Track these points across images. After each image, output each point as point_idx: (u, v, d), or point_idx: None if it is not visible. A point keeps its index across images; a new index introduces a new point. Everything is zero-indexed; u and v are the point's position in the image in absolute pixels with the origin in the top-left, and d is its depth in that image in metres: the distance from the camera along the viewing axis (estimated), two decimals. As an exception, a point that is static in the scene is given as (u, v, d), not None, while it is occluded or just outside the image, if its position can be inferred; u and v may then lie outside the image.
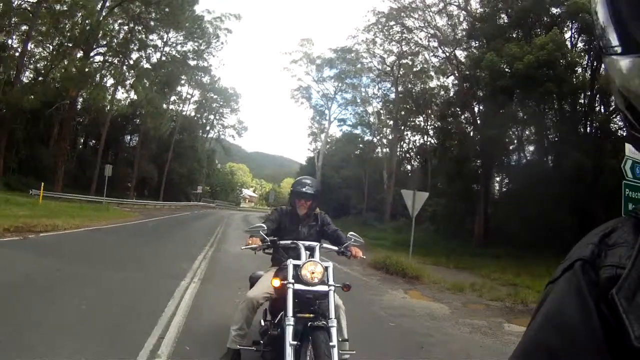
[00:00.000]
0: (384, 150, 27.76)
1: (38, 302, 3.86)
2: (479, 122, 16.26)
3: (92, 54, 22.59)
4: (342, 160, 30.24)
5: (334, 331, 2.25)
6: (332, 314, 2.30)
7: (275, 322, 2.65)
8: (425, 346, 3.94)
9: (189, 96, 35.96)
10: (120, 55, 23.96)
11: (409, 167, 28.47)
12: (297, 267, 2.43)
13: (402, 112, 24.07)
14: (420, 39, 20.73)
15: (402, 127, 25.70)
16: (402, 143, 27.14)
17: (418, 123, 24.68)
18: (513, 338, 4.43)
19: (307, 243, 2.67)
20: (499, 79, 13.53)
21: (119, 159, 29.86)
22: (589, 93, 14.03)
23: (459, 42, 17.80)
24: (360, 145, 30.27)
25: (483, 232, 14.45)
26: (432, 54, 20.98)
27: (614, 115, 12.96)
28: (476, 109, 17.11)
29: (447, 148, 17.22)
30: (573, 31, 14.76)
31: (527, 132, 16.31)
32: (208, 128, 41.58)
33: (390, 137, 26.54)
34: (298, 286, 2.35)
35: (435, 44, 20.01)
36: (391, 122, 25.87)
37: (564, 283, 0.42)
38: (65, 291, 4.39)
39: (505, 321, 5.31)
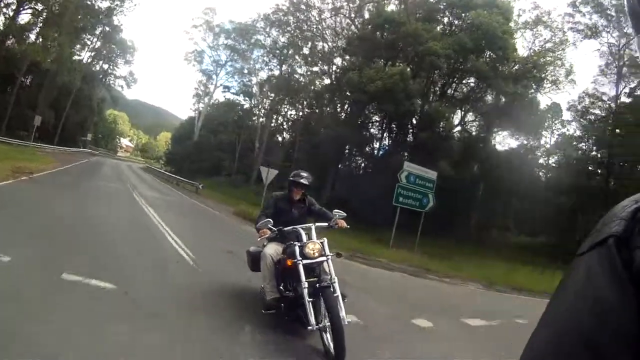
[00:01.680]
0: (260, 120, 31.81)
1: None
2: (342, 117, 21.66)
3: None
4: (220, 124, 33.00)
5: (336, 286, 3.33)
6: (333, 274, 3.39)
7: (289, 288, 3.58)
8: (234, 251, 8.29)
9: (90, 44, 36.38)
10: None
11: (280, 138, 33.01)
12: (301, 247, 3.45)
13: (282, 90, 27.97)
14: (312, 31, 24.75)
15: (280, 102, 29.66)
16: (277, 116, 31.51)
17: (294, 101, 28.87)
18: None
19: (304, 226, 3.75)
20: (355, 93, 18.86)
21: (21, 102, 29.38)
22: (418, 117, 21.07)
23: (338, 49, 22.57)
24: (240, 113, 33.60)
25: (328, 203, 20.06)
26: (320, 43, 25.32)
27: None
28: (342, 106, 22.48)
29: (311, 132, 22.07)
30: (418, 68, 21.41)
31: (371, 133, 22.79)
32: (101, 76, 41.76)
33: (267, 109, 30.58)
34: (305, 261, 3.38)
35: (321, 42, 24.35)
36: (272, 96, 29.54)
37: (597, 260, 0.42)
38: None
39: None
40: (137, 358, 2.67)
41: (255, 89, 31.81)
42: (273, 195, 4.36)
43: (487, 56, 21.31)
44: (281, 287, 3.63)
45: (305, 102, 26.46)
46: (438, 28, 22.11)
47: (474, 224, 20.22)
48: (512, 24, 24.18)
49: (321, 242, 3.59)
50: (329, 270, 3.50)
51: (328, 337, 3.27)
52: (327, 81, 25.12)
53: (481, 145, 21.79)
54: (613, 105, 25.62)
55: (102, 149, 54.65)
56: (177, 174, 27.75)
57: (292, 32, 26.79)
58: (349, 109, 21.93)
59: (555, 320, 0.42)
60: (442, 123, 19.53)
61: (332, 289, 3.31)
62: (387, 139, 22.19)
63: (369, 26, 21.98)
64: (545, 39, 25.81)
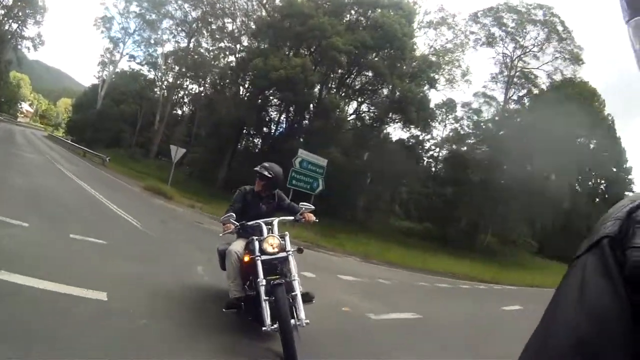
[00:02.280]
0: (163, 92, 34.29)
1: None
2: (243, 97, 25.28)
3: None
4: (123, 94, 34.70)
5: (296, 284, 3.60)
6: (294, 271, 3.66)
7: (248, 286, 3.90)
8: (165, 220, 11.61)
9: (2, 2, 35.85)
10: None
11: (180, 112, 35.55)
12: (260, 242, 3.74)
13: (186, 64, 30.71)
14: (223, 9, 27.89)
15: (183, 76, 32.25)
16: (179, 91, 33.99)
17: (197, 76, 31.68)
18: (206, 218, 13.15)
19: (267, 220, 4.04)
20: (259, 79, 22.63)
21: None
22: (315, 106, 25.37)
23: (247, 31, 26.04)
24: (143, 84, 35.74)
25: (225, 180, 23.70)
26: (230, 22, 28.52)
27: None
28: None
29: (212, 109, 25.44)
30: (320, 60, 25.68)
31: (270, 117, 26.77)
32: (10, 37, 40.53)
33: (170, 82, 33.00)
34: (264, 257, 3.67)
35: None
36: (176, 68, 31.88)
37: (592, 261, 0.47)
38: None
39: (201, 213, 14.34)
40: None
41: (160, 61, 34.24)
42: (241, 189, 4.69)
43: (386, 54, 26.19)
44: (246, 286, 3.91)
45: (208, 79, 29.53)
46: (344, 21, 26.48)
47: (360, 207, 25.15)
48: (415, 25, 29.58)
49: (282, 237, 3.84)
50: (290, 267, 3.71)
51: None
52: (232, 59, 28.70)
53: (374, 135, 26.88)
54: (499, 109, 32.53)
55: (5, 114, 53.98)
56: (79, 143, 29.60)
57: (204, 7, 29.52)
58: (250, 91, 25.63)
59: (551, 322, 0.47)
60: (336, 113, 23.96)
61: (285, 288, 3.54)
62: (285, 122, 26.46)
63: (278, 15, 25.66)
64: (447, 39, 31.80)
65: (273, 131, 27.25)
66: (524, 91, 33.72)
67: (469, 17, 31.85)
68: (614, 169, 51.45)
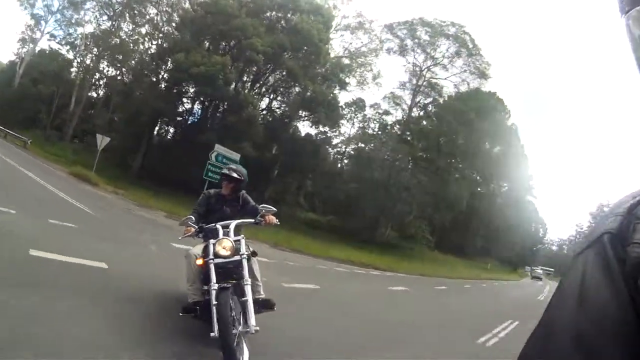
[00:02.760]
0: (80, 74, 36.49)
1: None
2: (161, 87, 29.12)
3: None
4: (42, 74, 36.37)
5: (247, 288, 3.84)
6: (246, 275, 3.92)
7: (207, 290, 4.03)
8: (103, 206, 15.76)
9: None
10: None
11: (95, 95, 37.92)
12: (214, 245, 4.04)
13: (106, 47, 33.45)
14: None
15: (101, 59, 34.83)
16: (98, 74, 36.36)
17: (116, 61, 34.53)
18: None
19: (225, 222, 4.34)
20: (180, 72, 26.70)
21: None
22: (230, 102, 29.80)
23: (170, 22, 29.76)
24: (62, 64, 37.63)
25: (140, 168, 27.55)
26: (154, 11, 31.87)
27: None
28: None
29: (128, 95, 29.01)
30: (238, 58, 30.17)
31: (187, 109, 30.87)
32: None
33: (88, 64, 35.05)
34: (217, 260, 3.96)
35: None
36: (95, 50, 34.13)
37: (592, 257, 0.51)
38: None
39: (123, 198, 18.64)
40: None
41: (79, 42, 36.35)
42: (205, 192, 5.04)
43: (301, 56, 31.27)
44: (205, 289, 4.11)
45: (126, 65, 32.70)
46: (264, 22, 31.07)
47: (267, 199, 30.22)
48: (332, 28, 34.97)
49: (236, 240, 4.14)
50: (242, 271, 4.00)
51: (242, 344, 3.75)
52: (152, 46, 32.25)
53: (284, 130, 32.15)
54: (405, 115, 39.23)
55: None
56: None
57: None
58: (169, 82, 29.51)
59: (551, 318, 0.52)
60: (249, 109, 28.63)
61: (237, 292, 3.88)
62: (199, 115, 30.85)
63: (202, 10, 29.61)
64: (362, 42, 37.68)
65: (188, 122, 31.35)
66: (430, 99, 40.83)
67: (384, 27, 38.04)
68: (517, 174, 61.71)
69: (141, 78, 30.95)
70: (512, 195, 62.55)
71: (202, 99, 30.09)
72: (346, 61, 36.68)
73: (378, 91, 56.20)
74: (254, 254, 4.35)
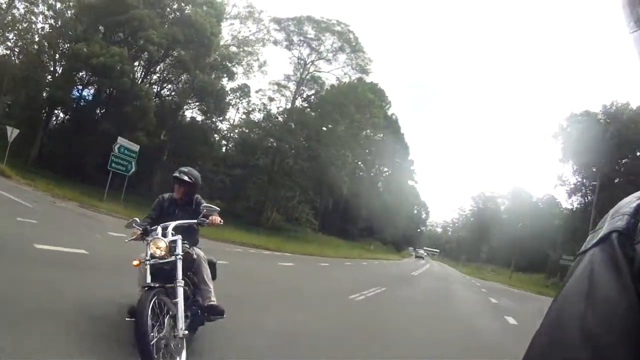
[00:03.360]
0: None
1: None
2: (56, 73, 33.61)
3: None
4: None
5: (179, 290, 4.31)
6: (179, 277, 4.39)
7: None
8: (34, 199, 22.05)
9: None
10: None
11: None
12: (149, 245, 4.52)
13: None
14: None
15: None
16: None
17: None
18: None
19: (165, 224, 4.84)
20: (79, 62, 31.60)
21: None
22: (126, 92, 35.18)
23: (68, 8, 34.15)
24: None
25: (38, 156, 32.02)
26: None
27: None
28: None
29: (26, 80, 32.97)
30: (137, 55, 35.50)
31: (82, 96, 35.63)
32: None
33: None
34: (152, 261, 4.42)
35: None
36: None
37: (600, 255, 0.55)
38: None
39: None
40: None
41: None
42: (159, 197, 5.64)
43: (192, 48, 37.47)
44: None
45: (20, 46, 35.99)
46: (159, 13, 36.58)
47: (157, 183, 36.30)
48: (223, 22, 41.45)
49: (172, 241, 4.61)
50: (177, 272, 4.42)
51: (177, 347, 4.14)
52: (46, 27, 35.84)
53: (173, 117, 38.47)
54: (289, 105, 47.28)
55: None
56: None
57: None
58: (67, 70, 33.97)
59: (558, 316, 0.56)
60: (144, 100, 34.34)
61: (168, 294, 4.33)
62: (94, 101, 35.89)
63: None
64: (250, 31, 44.68)
65: (83, 110, 36.03)
66: (313, 91, 49.31)
67: (273, 19, 45.42)
68: (398, 160, 73.49)
69: (36, 62, 34.68)
70: (394, 180, 74.25)
71: (99, 89, 34.88)
72: (234, 49, 43.41)
73: (264, 79, 62.82)
74: (189, 253, 4.91)
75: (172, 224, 4.83)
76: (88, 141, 31.78)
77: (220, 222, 5.15)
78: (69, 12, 36.49)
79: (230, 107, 45.15)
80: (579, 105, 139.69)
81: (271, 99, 47.53)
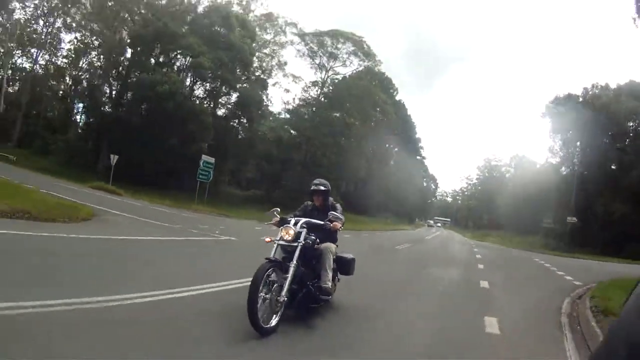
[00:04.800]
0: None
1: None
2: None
3: None
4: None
5: (291, 269, 5.71)
6: (295, 258, 5.81)
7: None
8: None
9: None
10: None
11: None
12: (281, 230, 6.15)
13: None
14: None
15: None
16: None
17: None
18: None
19: (298, 218, 6.43)
20: (144, 89, 40.63)
21: None
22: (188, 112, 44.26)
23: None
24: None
25: (107, 168, 41.37)
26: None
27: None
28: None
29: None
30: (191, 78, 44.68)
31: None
32: None
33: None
34: (281, 242, 6.02)
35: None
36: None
37: None
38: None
39: None
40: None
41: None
42: (305, 203, 7.49)
43: (235, 68, 46.48)
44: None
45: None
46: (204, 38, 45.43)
47: (223, 183, 45.67)
48: (255, 41, 50.49)
49: (297, 231, 6.19)
50: (295, 255, 6.00)
51: (276, 310, 5.60)
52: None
53: (228, 129, 47.81)
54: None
55: None
56: None
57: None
58: (133, 95, 43.23)
59: (615, 323, 0.60)
60: (203, 116, 43.39)
61: (280, 270, 5.77)
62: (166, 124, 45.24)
63: (150, 29, 43.04)
64: (272, 35, 53.96)
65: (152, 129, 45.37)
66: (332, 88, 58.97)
67: (298, 34, 54.77)
68: (406, 139, 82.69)
69: (97, 88, 43.98)
70: (403, 158, 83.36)
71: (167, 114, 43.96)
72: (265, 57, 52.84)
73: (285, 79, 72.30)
74: (313, 242, 6.45)
75: (302, 220, 6.42)
76: (156, 154, 40.68)
77: (340, 228, 6.89)
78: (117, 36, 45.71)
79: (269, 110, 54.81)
80: (570, 84, 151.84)
81: (287, 90, 57.81)
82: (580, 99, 56.91)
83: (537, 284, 15.47)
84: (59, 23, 47.82)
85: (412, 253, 24.42)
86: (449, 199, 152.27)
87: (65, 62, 49.15)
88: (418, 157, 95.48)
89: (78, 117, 51.30)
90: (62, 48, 49.28)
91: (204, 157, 37.59)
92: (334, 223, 6.69)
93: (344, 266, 7.53)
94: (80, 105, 49.66)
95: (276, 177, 53.29)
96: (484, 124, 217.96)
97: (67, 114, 49.35)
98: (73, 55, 48.21)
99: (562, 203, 50.32)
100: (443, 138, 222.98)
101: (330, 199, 7.41)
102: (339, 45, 57.19)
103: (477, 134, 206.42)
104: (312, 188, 7.25)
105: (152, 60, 44.82)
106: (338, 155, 54.98)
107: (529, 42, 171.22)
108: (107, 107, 45.32)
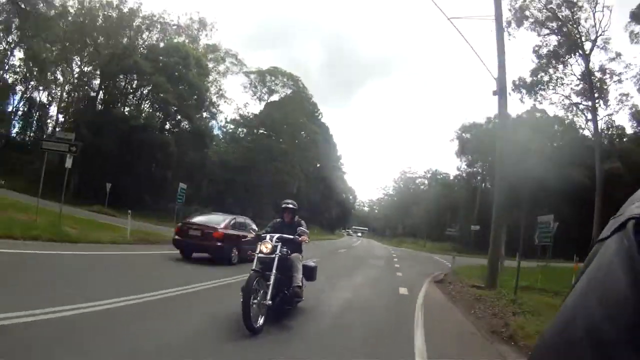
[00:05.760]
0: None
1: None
2: None
3: None
4: None
5: (272, 277, 7.95)
6: (273, 268, 8.11)
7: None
8: None
9: None
10: None
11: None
12: (259, 245, 8.58)
13: None
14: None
15: None
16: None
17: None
18: None
19: (273, 234, 8.74)
20: (122, 123, 51.16)
21: None
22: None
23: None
24: None
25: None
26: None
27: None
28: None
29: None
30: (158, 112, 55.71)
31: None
32: None
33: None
34: (260, 255, 8.35)
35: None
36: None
37: (614, 244, 0.57)
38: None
39: None
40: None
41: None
42: (275, 220, 9.67)
43: (194, 102, 57.83)
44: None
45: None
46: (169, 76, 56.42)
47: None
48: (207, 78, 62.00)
49: (275, 245, 8.08)
50: (273, 265, 7.87)
51: (262, 311, 7.49)
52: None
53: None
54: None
55: None
56: None
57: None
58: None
59: (567, 308, 0.58)
60: (171, 147, 54.21)
61: (263, 278, 7.74)
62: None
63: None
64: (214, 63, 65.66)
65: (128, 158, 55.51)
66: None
67: (243, 73, 67.34)
68: (328, 157, 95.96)
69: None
70: (326, 173, 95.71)
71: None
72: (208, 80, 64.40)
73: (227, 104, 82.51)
74: (288, 253, 8.64)
75: (276, 235, 8.53)
76: (131, 178, 49.02)
77: (307, 241, 9.14)
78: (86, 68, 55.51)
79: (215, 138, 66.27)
80: (477, 113, 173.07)
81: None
82: (483, 127, 70.71)
83: (426, 267, 29.16)
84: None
85: (351, 254, 37.87)
86: (366, 209, 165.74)
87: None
88: (339, 174, 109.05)
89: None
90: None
91: (181, 185, 48.06)
92: (302, 237, 8.81)
93: (308, 272, 9.70)
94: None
95: (221, 197, 64.40)
96: (401, 138, 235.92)
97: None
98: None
99: (468, 213, 64.58)
100: (360, 149, 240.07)
101: (299, 218, 9.53)
102: (277, 82, 70.18)
103: (393, 147, 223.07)
104: (283, 206, 9.53)
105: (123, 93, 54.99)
106: (275, 175, 66.89)
107: (444, 67, 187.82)
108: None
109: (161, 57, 56.55)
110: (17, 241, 14.22)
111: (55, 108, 59.58)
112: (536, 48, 43.96)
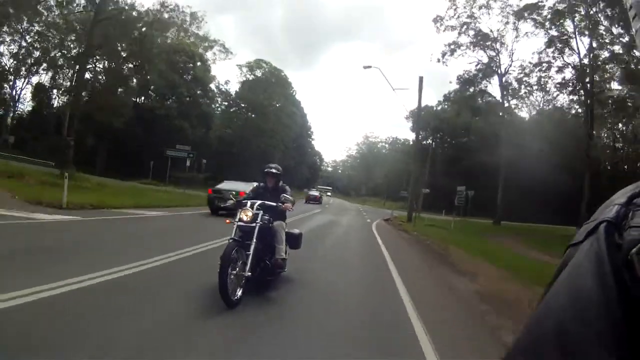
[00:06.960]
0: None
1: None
2: None
3: None
4: None
5: (252, 246, 7.53)
6: (254, 237, 7.63)
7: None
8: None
9: None
10: None
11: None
12: (240, 212, 7.97)
13: None
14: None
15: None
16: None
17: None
18: None
19: (253, 201, 8.17)
20: (146, 113, 70.61)
21: None
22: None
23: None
24: None
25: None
26: None
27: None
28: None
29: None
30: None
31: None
32: None
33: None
34: (239, 223, 7.86)
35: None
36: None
37: (586, 246, 0.61)
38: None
39: None
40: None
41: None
42: (256, 185, 9.20)
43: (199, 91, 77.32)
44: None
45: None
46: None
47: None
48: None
49: (255, 213, 7.84)
50: (254, 233, 7.62)
51: (240, 284, 7.27)
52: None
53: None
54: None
55: None
56: None
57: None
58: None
59: (539, 309, 0.63)
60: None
61: (243, 247, 7.47)
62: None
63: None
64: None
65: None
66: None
67: (237, 65, 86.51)
68: (300, 125, 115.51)
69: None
70: (299, 142, 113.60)
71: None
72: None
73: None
74: (269, 222, 8.37)
75: (258, 202, 8.23)
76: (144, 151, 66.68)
77: (291, 209, 8.88)
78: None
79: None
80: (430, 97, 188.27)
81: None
82: (434, 109, 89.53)
83: (381, 215, 49.25)
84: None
85: (332, 208, 56.68)
86: (330, 169, 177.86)
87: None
88: (309, 140, 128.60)
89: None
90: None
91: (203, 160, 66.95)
92: (285, 204, 8.73)
93: (293, 241, 9.77)
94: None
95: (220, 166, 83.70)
96: (365, 102, 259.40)
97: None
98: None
99: (420, 177, 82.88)
100: (325, 109, 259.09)
101: (283, 184, 9.37)
102: (261, 70, 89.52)
103: (357, 110, 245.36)
104: (265, 170, 9.32)
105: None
106: (261, 147, 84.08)
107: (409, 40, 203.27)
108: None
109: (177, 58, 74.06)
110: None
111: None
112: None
